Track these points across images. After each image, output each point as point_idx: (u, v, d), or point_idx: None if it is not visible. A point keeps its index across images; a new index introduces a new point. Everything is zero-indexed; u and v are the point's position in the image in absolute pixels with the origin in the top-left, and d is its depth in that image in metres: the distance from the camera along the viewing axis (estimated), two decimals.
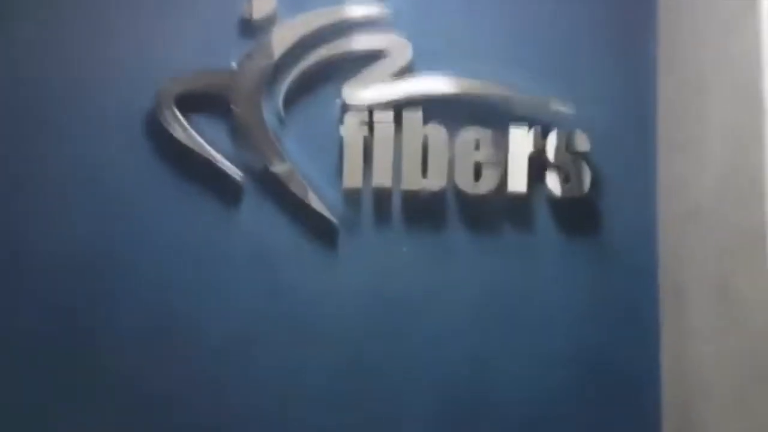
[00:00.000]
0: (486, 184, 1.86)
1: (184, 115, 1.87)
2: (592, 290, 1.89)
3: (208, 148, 1.87)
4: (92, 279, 1.88)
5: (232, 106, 1.88)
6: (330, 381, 1.88)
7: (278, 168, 1.87)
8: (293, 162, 1.88)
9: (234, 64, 1.89)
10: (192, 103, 1.88)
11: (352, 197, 1.89)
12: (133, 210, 1.89)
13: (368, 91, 1.88)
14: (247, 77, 1.88)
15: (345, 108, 1.88)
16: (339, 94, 1.89)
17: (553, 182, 1.87)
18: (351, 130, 1.87)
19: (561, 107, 1.88)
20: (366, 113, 1.87)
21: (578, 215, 1.90)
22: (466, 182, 1.86)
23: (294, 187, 1.87)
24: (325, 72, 1.90)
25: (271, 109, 1.89)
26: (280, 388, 1.87)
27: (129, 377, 1.86)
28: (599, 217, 1.90)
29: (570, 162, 1.86)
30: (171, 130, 1.87)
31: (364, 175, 1.87)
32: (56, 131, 1.89)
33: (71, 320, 1.87)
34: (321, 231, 1.88)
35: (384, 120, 1.87)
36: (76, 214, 1.88)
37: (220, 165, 1.87)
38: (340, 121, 1.88)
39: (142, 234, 1.88)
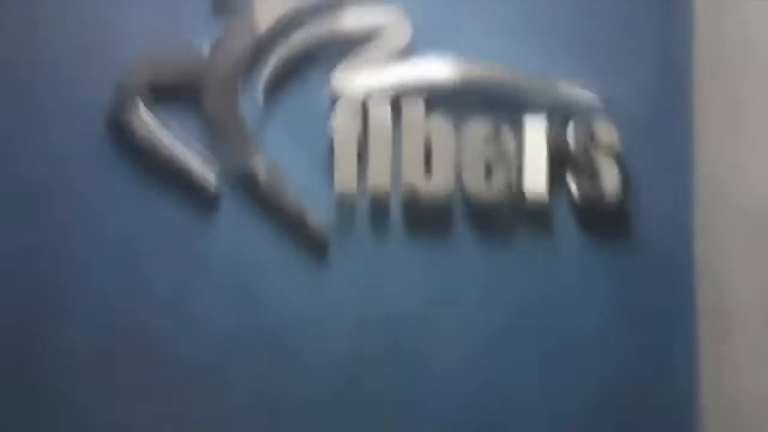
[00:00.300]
0: (499, 186, 1.62)
1: (149, 110, 1.63)
2: (620, 308, 1.65)
3: (178, 148, 1.63)
4: (41, 296, 1.63)
5: (204, 98, 1.64)
6: (318, 414, 1.63)
7: (258, 170, 1.63)
8: (276, 162, 1.64)
9: (206, 49, 1.65)
10: (159, 96, 1.63)
11: (344, 202, 1.64)
12: (91, 219, 1.64)
13: (361, 77, 1.64)
14: (221, 64, 1.64)
15: (335, 98, 1.64)
16: (328, 82, 1.64)
17: (576, 182, 1.63)
18: (342, 124, 1.63)
19: (584, 94, 1.64)
20: (359, 104, 1.63)
21: (605, 221, 1.65)
22: (475, 183, 1.62)
23: (277, 192, 1.63)
24: (311, 56, 1.65)
25: (249, 101, 1.65)
26: (259, 423, 1.63)
27: (83, 407, 1.61)
28: (629, 223, 1.66)
29: (596, 159, 1.62)
30: (134, 128, 1.63)
31: (358, 176, 1.63)
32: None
33: (17, 340, 1.62)
34: (309, 241, 1.64)
35: (380, 112, 1.62)
36: (24, 223, 1.63)
37: (191, 167, 1.63)
38: (330, 113, 1.64)
39: (101, 247, 1.64)
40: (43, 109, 1.65)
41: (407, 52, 1.65)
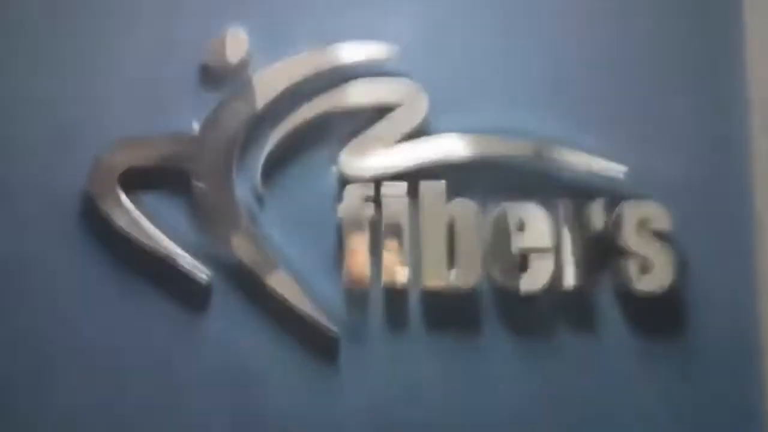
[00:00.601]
0: (534, 278, 1.41)
1: (130, 196, 1.45)
2: (677, 413, 1.42)
3: (164, 239, 1.44)
4: (9, 409, 1.43)
5: (193, 182, 1.45)
6: None
7: (255, 261, 1.43)
8: (276, 253, 1.44)
9: (195, 127, 1.46)
10: (141, 180, 1.45)
11: (355, 298, 1.44)
12: (64, 319, 1.45)
13: (373, 157, 1.44)
14: (212, 143, 1.45)
15: (343, 180, 1.45)
16: (335, 162, 1.45)
17: (622, 270, 1.42)
18: (352, 208, 1.43)
19: (627, 171, 1.44)
20: (371, 186, 1.43)
21: (655, 313, 1.43)
22: (507, 276, 1.42)
23: (278, 287, 1.43)
24: (316, 133, 1.47)
25: (245, 184, 1.46)
26: None
27: None
28: (683, 316, 1.44)
29: (646, 245, 1.41)
30: (113, 217, 1.44)
31: (371, 268, 1.42)
32: None
33: None
34: (315, 343, 1.43)
35: (395, 195, 1.43)
36: None
37: (179, 261, 1.44)
38: (338, 197, 1.44)
39: (77, 350, 1.44)
40: (8, 196, 1.46)
41: (424, 128, 1.46)
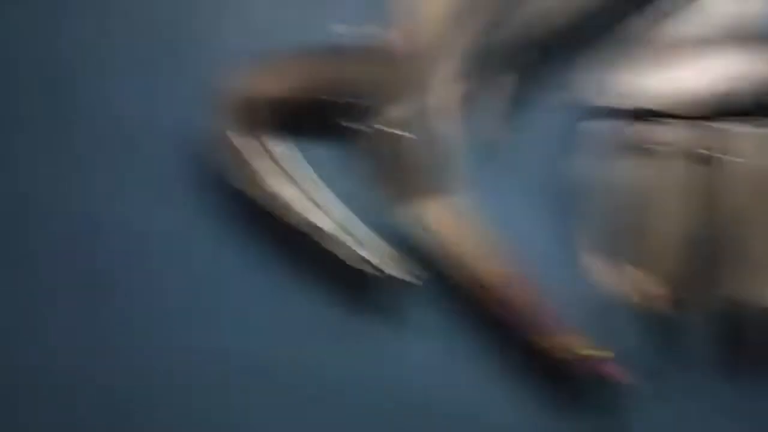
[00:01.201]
0: None
1: (265, 146, 0.93)
2: None
3: (324, 216, 0.93)
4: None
5: (360, 124, 0.91)
6: None
7: (464, 248, 0.90)
8: (495, 232, 0.91)
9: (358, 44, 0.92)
10: (286, 120, 0.94)
11: (645, 315, 0.89)
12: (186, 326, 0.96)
13: (660, 76, 0.87)
14: (393, 65, 0.90)
15: (605, 113, 0.88)
16: (595, 84, 0.89)
17: None
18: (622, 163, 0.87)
19: None
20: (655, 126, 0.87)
21: None
22: None
23: (496, 285, 0.90)
24: (560, 40, 0.90)
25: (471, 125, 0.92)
26: None
27: None
28: None
29: None
30: (238, 178, 0.93)
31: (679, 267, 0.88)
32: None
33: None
34: (554, 379, 0.90)
35: (708, 146, 0.86)
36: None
37: (340, 242, 0.92)
38: (599, 144, 0.88)
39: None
40: (97, 141, 0.98)
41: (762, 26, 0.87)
